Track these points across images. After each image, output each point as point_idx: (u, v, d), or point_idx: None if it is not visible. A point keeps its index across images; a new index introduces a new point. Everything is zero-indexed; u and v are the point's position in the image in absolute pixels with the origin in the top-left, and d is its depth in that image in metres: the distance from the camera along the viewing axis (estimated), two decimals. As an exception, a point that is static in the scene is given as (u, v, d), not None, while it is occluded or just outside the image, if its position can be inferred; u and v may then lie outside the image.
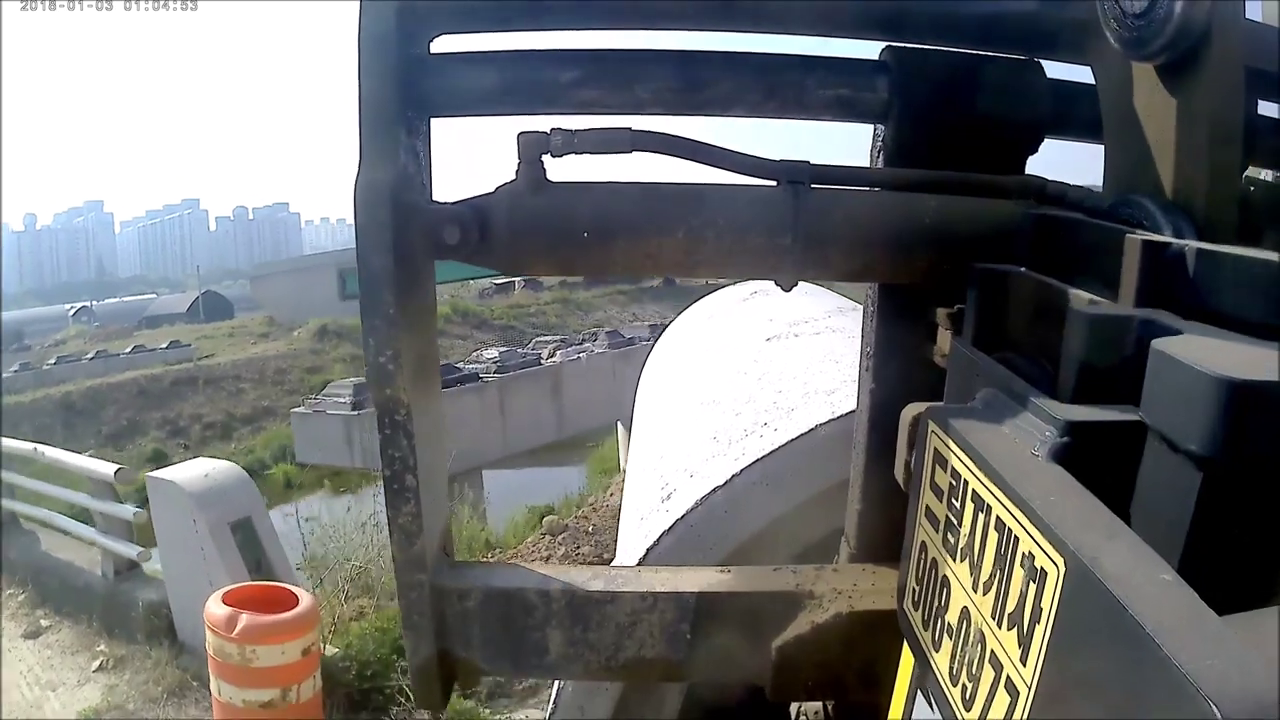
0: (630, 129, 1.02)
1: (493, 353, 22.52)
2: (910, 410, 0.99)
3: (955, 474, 0.75)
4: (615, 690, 1.64)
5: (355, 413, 17.68)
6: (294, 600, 3.80)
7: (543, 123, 1.05)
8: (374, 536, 7.23)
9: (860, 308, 1.33)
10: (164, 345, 35.52)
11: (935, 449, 0.80)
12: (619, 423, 21.82)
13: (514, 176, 1.02)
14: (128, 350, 34.45)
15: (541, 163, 1.01)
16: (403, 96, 1.02)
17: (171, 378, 28.79)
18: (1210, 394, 0.52)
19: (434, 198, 1.10)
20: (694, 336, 4.19)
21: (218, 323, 44.23)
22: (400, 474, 1.06)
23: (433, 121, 1.12)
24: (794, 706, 1.54)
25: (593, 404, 20.42)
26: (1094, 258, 0.84)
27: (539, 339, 26.74)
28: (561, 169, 1.05)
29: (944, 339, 1.04)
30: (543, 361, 21.47)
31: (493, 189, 1.04)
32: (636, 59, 1.09)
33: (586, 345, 23.73)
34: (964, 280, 0.97)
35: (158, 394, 27.85)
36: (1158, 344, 0.59)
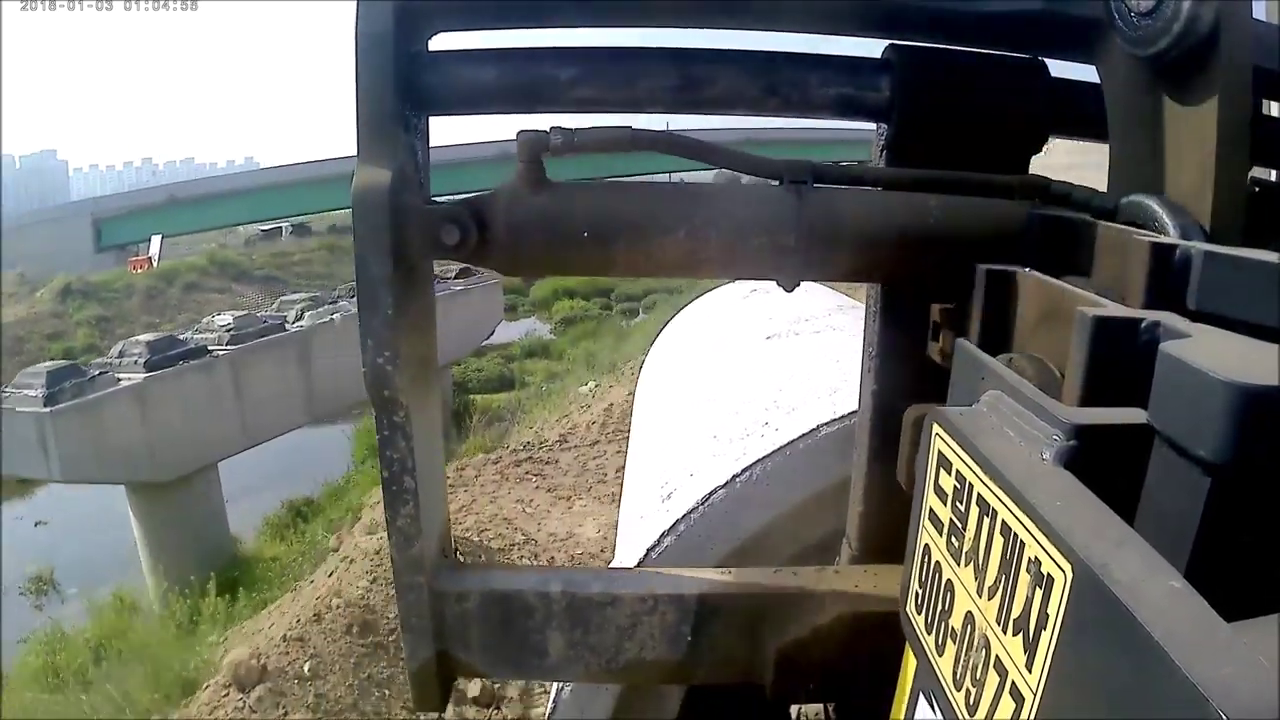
0: (631, 127, 1.01)
1: (225, 319, 17.91)
2: (913, 411, 0.99)
3: (959, 477, 0.74)
4: (616, 689, 1.64)
5: (48, 409, 12.77)
6: None
7: (542, 121, 1.04)
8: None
9: (861, 306, 1.32)
10: (-117, 314, 29.28)
11: (939, 451, 0.79)
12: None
13: (513, 176, 1.02)
14: None
15: (541, 162, 1.01)
16: (400, 94, 1.01)
17: (-112, 351, 23.57)
18: (1220, 399, 0.51)
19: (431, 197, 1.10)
20: (693, 334, 4.19)
21: (-36, 283, 38.32)
22: (399, 475, 1.05)
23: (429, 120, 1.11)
24: (794, 708, 1.54)
25: (351, 375, 17.11)
26: (1100, 258, 0.83)
27: (284, 299, 21.47)
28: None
29: (947, 339, 1.03)
30: (288, 326, 17.65)
31: (491, 188, 1.03)
32: (636, 57, 1.08)
33: (341, 304, 18.92)
34: (967, 280, 0.96)
35: None
36: (1166, 347, 0.58)
